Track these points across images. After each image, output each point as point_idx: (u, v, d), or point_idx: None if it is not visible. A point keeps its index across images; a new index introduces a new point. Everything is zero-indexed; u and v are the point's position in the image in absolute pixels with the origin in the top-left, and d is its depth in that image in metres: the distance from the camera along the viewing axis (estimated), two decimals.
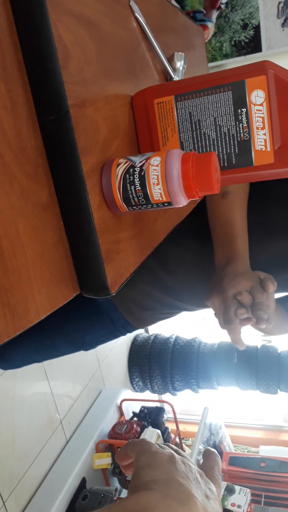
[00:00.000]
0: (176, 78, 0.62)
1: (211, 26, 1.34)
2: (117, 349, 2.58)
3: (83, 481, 1.84)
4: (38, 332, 0.86)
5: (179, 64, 0.63)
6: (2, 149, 0.33)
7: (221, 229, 0.73)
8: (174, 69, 0.63)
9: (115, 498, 1.79)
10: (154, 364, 2.60)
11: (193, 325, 2.88)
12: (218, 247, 0.73)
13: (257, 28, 1.39)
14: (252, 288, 0.65)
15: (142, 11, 0.55)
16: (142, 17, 0.54)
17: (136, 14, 0.53)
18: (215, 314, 0.69)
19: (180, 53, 0.64)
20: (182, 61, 0.64)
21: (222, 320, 0.65)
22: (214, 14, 1.36)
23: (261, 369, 2.38)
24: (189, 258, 0.81)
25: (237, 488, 1.85)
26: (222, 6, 1.37)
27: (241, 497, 1.82)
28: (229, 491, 1.84)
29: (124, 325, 0.86)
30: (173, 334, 2.74)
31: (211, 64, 1.48)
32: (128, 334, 1.47)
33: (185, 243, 0.81)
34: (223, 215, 0.72)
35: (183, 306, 0.87)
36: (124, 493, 2.01)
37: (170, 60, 0.63)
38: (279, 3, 1.35)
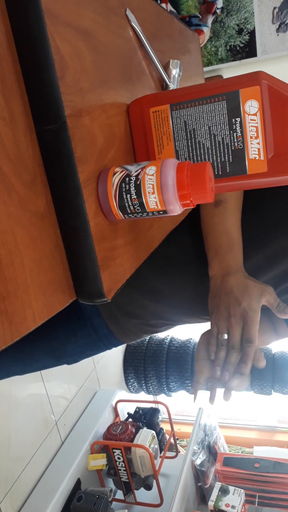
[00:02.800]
0: (171, 85, 0.63)
1: (206, 30, 1.35)
2: (112, 350, 2.58)
3: (78, 482, 1.85)
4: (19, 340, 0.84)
5: (175, 72, 0.64)
6: (0, 159, 0.34)
7: (215, 238, 0.72)
8: (170, 77, 0.64)
9: (110, 499, 1.80)
10: (149, 365, 2.61)
11: (188, 326, 2.89)
12: (213, 258, 0.72)
13: (252, 33, 1.41)
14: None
15: (138, 19, 0.56)
16: (138, 25, 0.55)
17: (133, 23, 0.54)
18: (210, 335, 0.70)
19: (175, 60, 0.65)
20: (178, 69, 0.65)
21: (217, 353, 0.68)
22: (210, 19, 1.37)
23: (255, 370, 2.39)
24: (180, 258, 0.80)
25: (231, 488, 1.86)
26: (218, 11, 1.38)
27: (235, 497, 1.83)
28: (223, 491, 1.85)
29: (107, 336, 0.83)
30: (168, 335, 2.75)
31: (206, 69, 1.49)
32: None
33: (173, 242, 0.80)
34: (217, 224, 0.72)
35: (169, 317, 0.86)
36: (119, 494, 2.01)
37: (166, 67, 0.64)
38: (274, 8, 1.36)
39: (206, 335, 0.73)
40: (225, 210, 0.72)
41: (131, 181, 0.42)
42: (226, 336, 0.68)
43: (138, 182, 0.42)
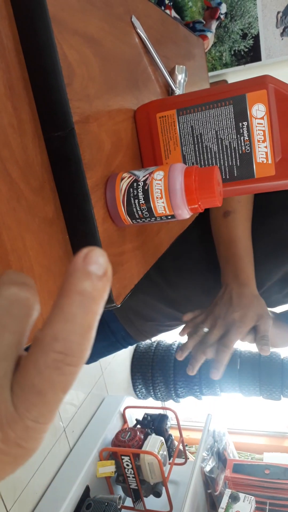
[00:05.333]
0: (177, 91, 0.63)
1: (210, 36, 1.36)
2: (119, 356, 2.58)
3: (87, 490, 1.84)
4: None
5: (180, 77, 0.64)
6: (9, 166, 0.34)
7: (226, 248, 0.73)
8: (176, 82, 0.64)
9: (119, 507, 1.79)
10: (157, 371, 2.60)
11: None
12: (225, 266, 0.73)
13: (256, 38, 1.41)
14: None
15: (144, 26, 0.56)
16: (144, 32, 0.56)
17: (138, 30, 0.54)
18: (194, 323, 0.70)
19: (181, 66, 0.65)
20: (183, 74, 0.65)
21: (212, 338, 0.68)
22: (214, 24, 1.38)
23: (264, 375, 2.37)
24: (189, 269, 0.81)
25: (241, 496, 1.84)
26: (222, 16, 1.38)
27: (246, 505, 1.81)
28: (234, 499, 1.83)
29: (124, 337, 0.86)
30: (175, 341, 2.74)
31: (211, 74, 1.49)
32: None
33: (184, 253, 0.81)
34: (226, 234, 0.73)
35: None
36: (128, 502, 2.00)
37: (172, 73, 0.64)
38: (278, 12, 1.37)
39: (196, 315, 0.73)
40: (233, 220, 0.73)
41: (139, 186, 0.42)
42: (205, 330, 0.69)
43: (146, 187, 0.42)
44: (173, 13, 1.36)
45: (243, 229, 0.73)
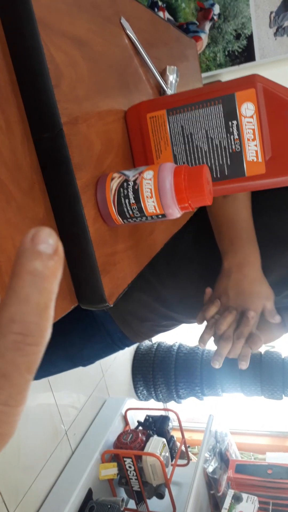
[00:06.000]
0: (169, 91, 0.64)
1: (204, 37, 1.37)
2: (120, 358, 2.58)
3: (90, 492, 1.83)
4: None
5: (172, 78, 0.65)
6: None
7: (229, 228, 0.71)
8: (167, 83, 0.64)
9: (122, 509, 1.78)
10: (158, 373, 2.59)
11: (196, 332, 2.87)
12: (229, 248, 0.72)
13: (250, 38, 1.41)
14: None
15: (134, 28, 0.57)
16: (134, 33, 0.56)
17: (128, 31, 0.55)
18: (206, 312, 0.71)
19: (172, 66, 0.65)
20: (175, 74, 0.65)
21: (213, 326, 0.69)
22: (207, 25, 1.39)
23: (265, 375, 2.37)
24: (182, 269, 0.81)
25: (244, 496, 1.84)
26: (215, 17, 1.39)
27: (249, 505, 1.80)
28: (236, 499, 1.83)
29: (121, 339, 0.85)
30: (176, 342, 2.74)
31: (205, 74, 1.50)
32: None
33: (178, 253, 0.81)
34: (229, 214, 0.71)
35: (179, 318, 0.87)
36: (131, 504, 1.99)
37: (163, 74, 0.64)
38: (271, 13, 1.37)
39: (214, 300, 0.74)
40: (234, 199, 0.71)
41: (129, 186, 0.42)
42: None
43: (136, 187, 0.42)
44: (167, 15, 1.36)
45: (246, 209, 0.72)
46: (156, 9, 1.36)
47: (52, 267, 0.17)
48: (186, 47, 0.92)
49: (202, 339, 0.70)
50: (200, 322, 0.72)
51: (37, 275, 0.17)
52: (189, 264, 0.80)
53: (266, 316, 0.71)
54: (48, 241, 0.17)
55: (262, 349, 2.56)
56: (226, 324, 0.68)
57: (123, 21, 0.54)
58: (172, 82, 0.65)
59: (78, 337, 0.85)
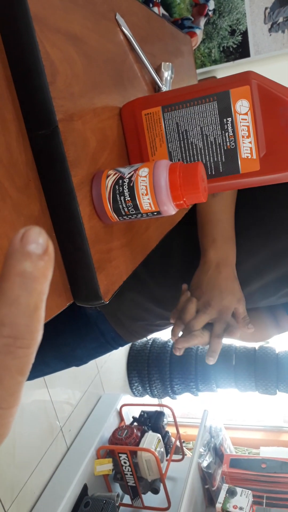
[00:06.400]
0: (164, 88, 0.64)
1: (199, 32, 1.36)
2: (115, 354, 2.58)
3: (85, 488, 1.84)
4: None
5: (167, 74, 0.65)
6: None
7: (213, 227, 0.74)
8: (162, 79, 0.64)
9: (117, 504, 1.79)
10: (153, 368, 2.60)
11: None
12: (210, 245, 0.74)
13: (244, 34, 1.41)
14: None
15: (128, 23, 0.56)
16: (128, 29, 0.56)
17: (122, 27, 0.54)
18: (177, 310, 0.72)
19: (167, 63, 0.65)
20: (170, 71, 0.65)
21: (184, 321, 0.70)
22: (202, 21, 1.38)
23: (259, 370, 2.39)
24: (176, 268, 0.81)
25: (238, 490, 1.86)
26: (210, 13, 1.39)
27: (243, 499, 1.82)
28: (231, 493, 1.85)
29: (114, 338, 0.85)
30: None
31: (200, 70, 1.50)
32: None
33: (173, 253, 0.81)
34: (215, 213, 0.74)
35: None
36: (126, 499, 2.01)
37: (158, 70, 0.64)
38: (266, 8, 1.37)
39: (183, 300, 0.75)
40: (221, 198, 0.73)
41: (124, 183, 0.42)
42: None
43: (131, 184, 0.42)
44: (162, 10, 1.36)
45: (229, 208, 0.74)
46: (151, 5, 1.36)
47: (42, 268, 0.16)
48: (181, 43, 0.91)
49: (173, 332, 0.71)
50: (174, 318, 0.73)
51: (26, 277, 0.16)
52: (182, 263, 0.80)
53: (238, 320, 0.72)
54: (38, 240, 0.16)
55: (256, 344, 2.57)
56: (189, 314, 0.69)
57: (118, 17, 0.53)
58: (167, 79, 0.65)
59: (71, 337, 0.85)
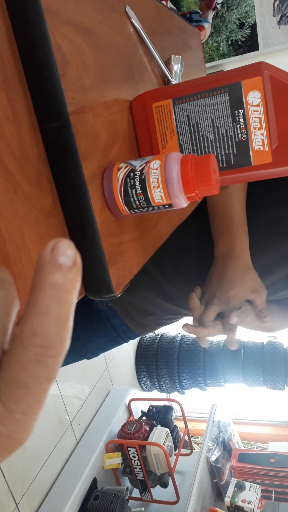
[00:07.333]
0: (174, 81, 0.63)
1: (207, 26, 1.35)
2: (124, 349, 2.59)
3: (94, 482, 1.85)
4: None
5: (177, 67, 0.64)
6: (5, 158, 0.34)
7: (222, 219, 0.74)
8: (172, 72, 0.64)
9: (126, 498, 1.80)
10: (161, 363, 2.61)
11: None
12: (219, 238, 0.74)
13: (253, 27, 1.40)
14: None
15: (138, 16, 0.56)
16: (138, 22, 0.55)
17: (132, 20, 0.54)
18: (192, 306, 0.73)
19: (177, 56, 0.65)
20: (179, 64, 0.65)
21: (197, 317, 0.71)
22: (210, 15, 1.37)
23: (267, 365, 2.38)
24: (187, 265, 0.81)
25: (247, 484, 1.86)
26: (218, 6, 1.37)
27: (252, 493, 1.82)
28: (239, 487, 1.85)
29: (126, 332, 0.86)
30: (179, 333, 2.75)
31: (208, 64, 1.49)
32: None
33: (183, 249, 0.81)
34: (224, 205, 0.73)
35: (183, 312, 0.88)
36: (135, 492, 2.02)
37: (167, 63, 0.64)
38: (275, 1, 1.36)
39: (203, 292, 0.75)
40: (230, 192, 0.73)
41: (136, 176, 0.42)
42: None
43: (143, 177, 0.42)
44: (169, 4, 1.35)
45: (239, 201, 0.73)
46: None
47: (72, 279, 0.17)
48: (190, 36, 0.91)
49: (186, 325, 0.72)
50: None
51: (58, 288, 0.17)
52: (193, 259, 0.80)
53: (255, 312, 0.71)
54: (67, 252, 0.17)
55: (265, 339, 2.57)
56: (197, 311, 0.71)
57: (128, 9, 0.53)
58: (177, 72, 0.65)
59: (82, 332, 0.86)
